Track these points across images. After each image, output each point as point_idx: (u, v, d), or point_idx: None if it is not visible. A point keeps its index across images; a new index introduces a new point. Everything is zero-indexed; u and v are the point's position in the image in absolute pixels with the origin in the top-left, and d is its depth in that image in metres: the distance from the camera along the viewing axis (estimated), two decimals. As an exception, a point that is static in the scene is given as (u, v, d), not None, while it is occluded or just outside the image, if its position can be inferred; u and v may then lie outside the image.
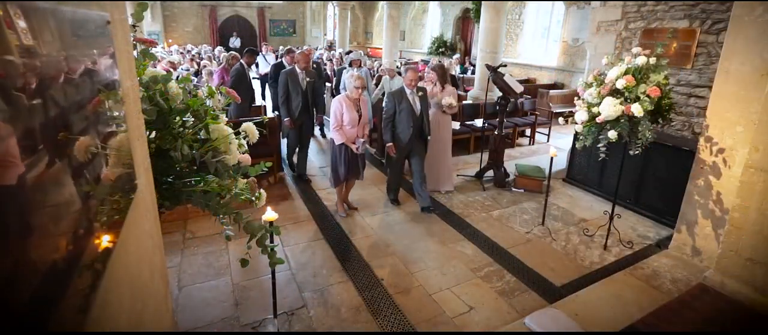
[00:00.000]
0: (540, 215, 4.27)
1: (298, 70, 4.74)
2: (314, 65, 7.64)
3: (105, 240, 1.04)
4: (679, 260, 3.47)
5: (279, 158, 5.37)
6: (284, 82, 4.71)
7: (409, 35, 17.23)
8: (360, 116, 3.95)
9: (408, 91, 4.10)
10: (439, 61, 8.22)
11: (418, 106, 4.12)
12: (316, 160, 6.04)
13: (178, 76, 1.98)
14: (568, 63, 10.19)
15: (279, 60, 6.38)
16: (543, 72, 10.89)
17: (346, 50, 10.70)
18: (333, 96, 6.89)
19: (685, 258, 3.47)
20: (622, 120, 3.10)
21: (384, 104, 4.29)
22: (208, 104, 1.92)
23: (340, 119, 3.89)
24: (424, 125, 4.21)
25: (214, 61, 10.87)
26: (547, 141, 7.44)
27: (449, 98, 4.57)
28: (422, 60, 12.85)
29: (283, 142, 5.62)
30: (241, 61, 5.74)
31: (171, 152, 1.69)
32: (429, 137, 4.31)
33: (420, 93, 4.15)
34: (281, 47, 12.44)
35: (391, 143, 4.17)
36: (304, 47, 10.59)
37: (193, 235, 3.74)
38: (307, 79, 4.78)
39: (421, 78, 4.58)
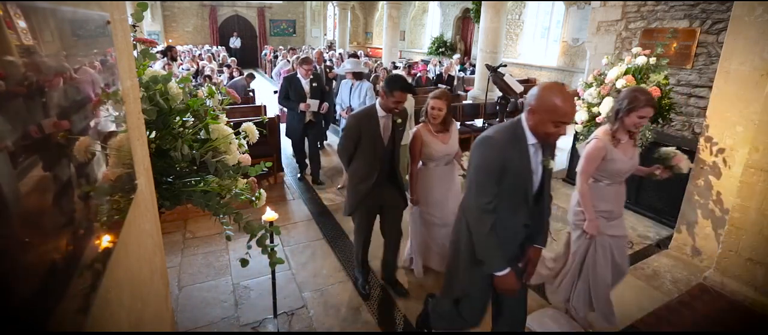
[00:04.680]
0: (540, 215, 4.26)
1: (380, 111, 2.59)
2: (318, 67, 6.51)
3: (105, 240, 1.04)
4: (679, 260, 3.47)
5: (279, 158, 5.36)
6: (355, 129, 2.62)
7: (409, 35, 17.24)
8: None
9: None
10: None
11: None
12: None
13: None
14: (568, 63, 10.20)
15: (293, 71, 4.95)
16: (543, 72, 10.89)
17: (349, 52, 10.53)
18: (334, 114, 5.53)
19: (685, 258, 3.48)
20: (622, 120, 3.10)
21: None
22: (208, 103, 1.92)
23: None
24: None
25: (214, 61, 10.91)
26: (547, 141, 7.42)
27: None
28: (422, 60, 12.85)
29: (285, 138, 5.03)
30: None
31: (171, 152, 1.69)
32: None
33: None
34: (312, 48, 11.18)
35: None
36: (304, 47, 10.41)
37: (193, 235, 3.74)
38: (398, 119, 2.68)
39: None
